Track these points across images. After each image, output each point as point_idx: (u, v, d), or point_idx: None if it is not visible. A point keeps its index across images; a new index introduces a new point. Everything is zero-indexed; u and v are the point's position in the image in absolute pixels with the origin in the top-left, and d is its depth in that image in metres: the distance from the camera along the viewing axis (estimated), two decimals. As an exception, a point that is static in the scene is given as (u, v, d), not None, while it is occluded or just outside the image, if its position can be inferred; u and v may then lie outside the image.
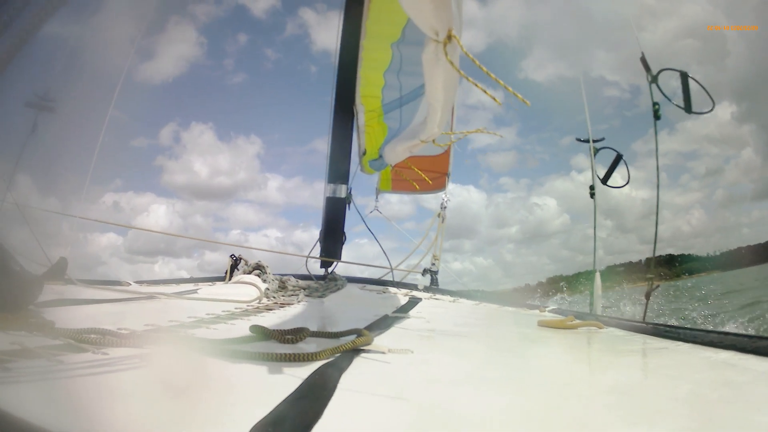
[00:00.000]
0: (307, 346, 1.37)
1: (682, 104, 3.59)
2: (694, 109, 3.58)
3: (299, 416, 0.73)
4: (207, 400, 0.81)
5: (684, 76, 3.56)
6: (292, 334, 1.39)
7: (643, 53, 3.84)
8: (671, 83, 3.72)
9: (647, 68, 3.77)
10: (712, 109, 3.70)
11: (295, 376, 0.96)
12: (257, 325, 1.42)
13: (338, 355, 1.20)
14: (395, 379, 1.13)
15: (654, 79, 3.72)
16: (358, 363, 1.19)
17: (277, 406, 0.76)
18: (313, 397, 0.83)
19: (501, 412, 0.89)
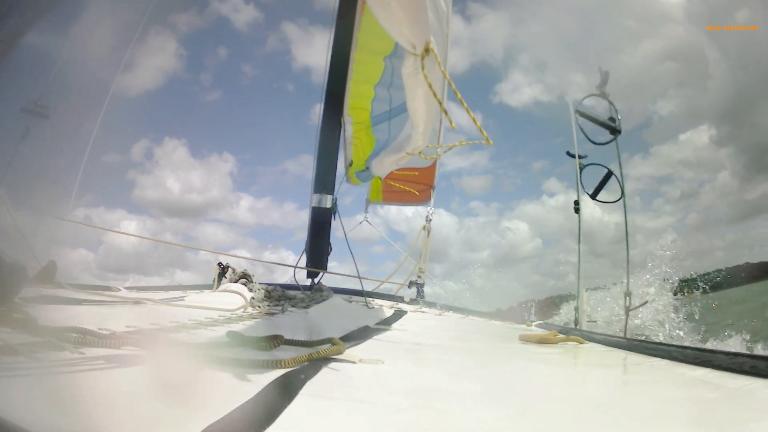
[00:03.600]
0: (282, 353, 1.39)
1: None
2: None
3: (251, 421, 0.76)
4: (166, 402, 0.84)
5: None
6: (266, 342, 1.43)
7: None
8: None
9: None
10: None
11: (259, 382, 0.99)
12: (233, 332, 1.46)
13: (306, 363, 1.24)
14: (358, 387, 1.16)
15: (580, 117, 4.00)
16: (326, 371, 1.23)
17: (232, 411, 0.78)
18: (270, 403, 0.86)
19: (459, 423, 0.91)
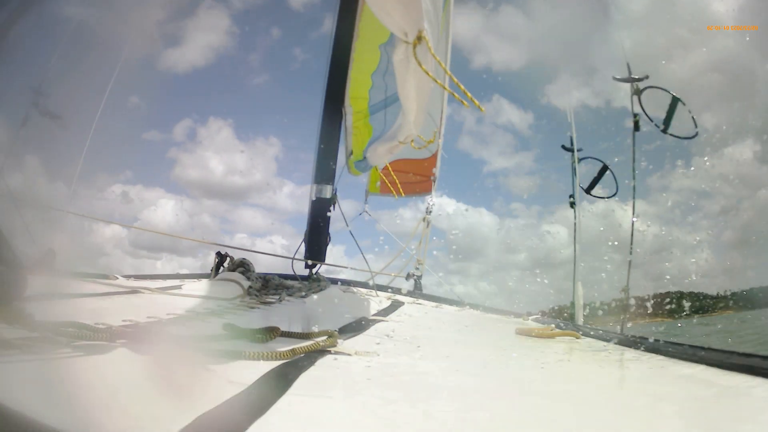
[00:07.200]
0: (278, 345, 1.40)
1: (661, 124, 3.65)
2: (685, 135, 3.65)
3: (244, 411, 0.77)
4: (160, 393, 0.85)
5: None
6: (262, 334, 1.44)
7: (629, 64, 3.89)
8: (663, 101, 3.76)
9: (632, 80, 3.82)
10: (693, 137, 3.75)
11: (254, 374, 1.00)
12: (230, 324, 1.47)
13: (302, 355, 1.25)
14: (353, 380, 1.17)
15: (638, 92, 3.78)
16: (321, 364, 1.23)
17: (226, 400, 0.79)
18: (264, 394, 0.87)
19: (451, 419, 0.92)
